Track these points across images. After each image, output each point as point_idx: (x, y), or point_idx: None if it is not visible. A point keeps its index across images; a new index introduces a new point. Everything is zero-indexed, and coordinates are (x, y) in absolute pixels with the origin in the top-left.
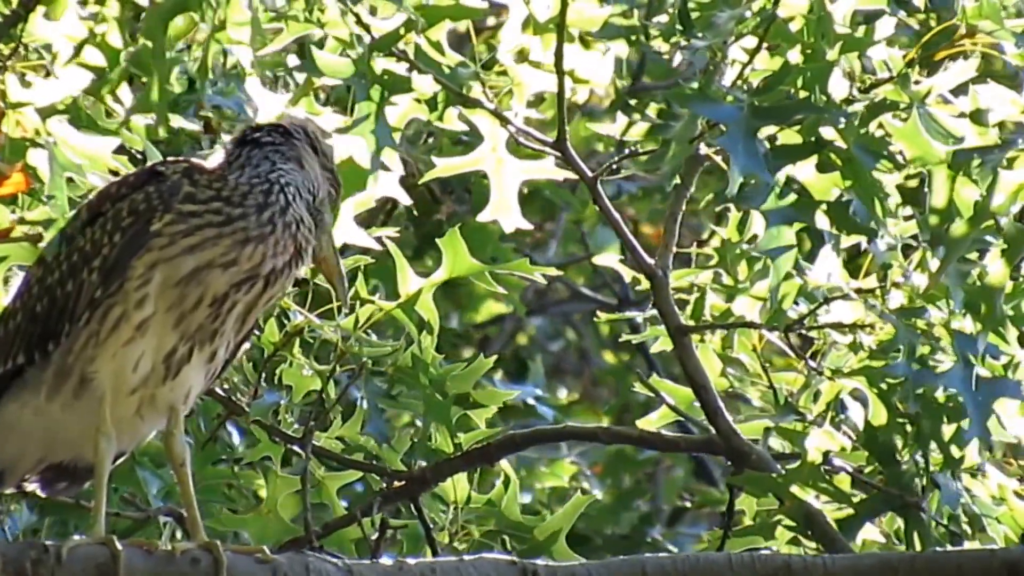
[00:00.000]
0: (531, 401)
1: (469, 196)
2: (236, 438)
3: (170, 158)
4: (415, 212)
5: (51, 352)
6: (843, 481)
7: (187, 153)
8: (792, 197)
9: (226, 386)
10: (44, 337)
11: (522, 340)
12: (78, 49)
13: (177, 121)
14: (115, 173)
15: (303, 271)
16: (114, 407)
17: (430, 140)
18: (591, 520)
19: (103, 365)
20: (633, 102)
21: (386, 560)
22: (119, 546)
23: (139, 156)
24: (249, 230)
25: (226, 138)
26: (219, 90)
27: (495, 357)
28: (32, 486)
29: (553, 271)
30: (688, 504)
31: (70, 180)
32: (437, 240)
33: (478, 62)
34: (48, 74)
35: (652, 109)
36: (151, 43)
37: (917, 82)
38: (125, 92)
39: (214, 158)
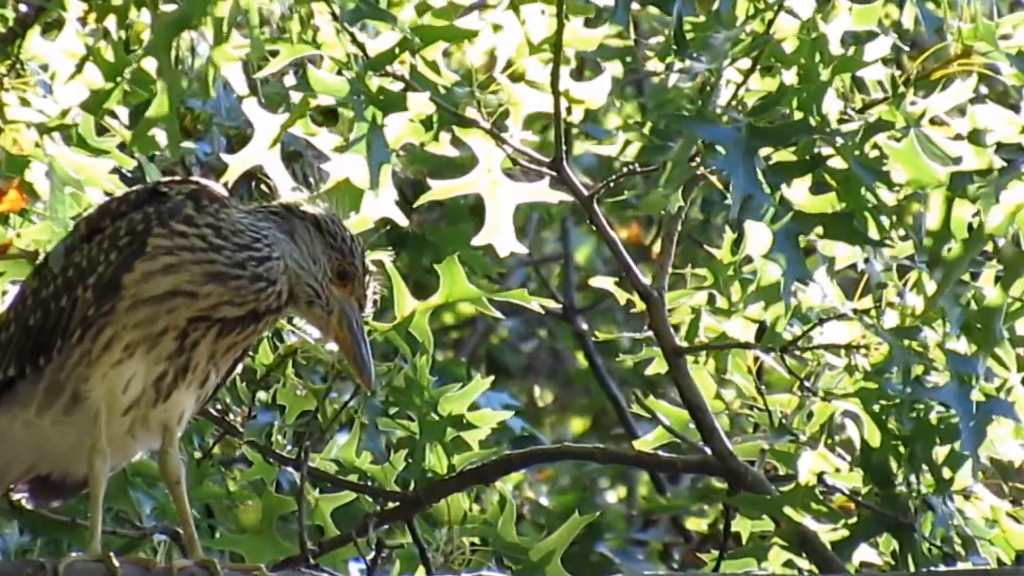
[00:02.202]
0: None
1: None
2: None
3: (177, 177)
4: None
5: (43, 366)
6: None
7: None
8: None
9: (219, 406)
10: (36, 351)
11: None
12: (80, 65)
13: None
14: (108, 194)
15: (260, 334)
16: (107, 426)
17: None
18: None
19: (96, 385)
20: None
21: None
22: (116, 563)
23: (129, 175)
24: (216, 264)
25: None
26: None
27: (492, 378)
28: (19, 495)
29: (551, 303)
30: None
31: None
32: (436, 266)
33: (474, 81)
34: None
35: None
36: (157, 58)
37: (913, 103)
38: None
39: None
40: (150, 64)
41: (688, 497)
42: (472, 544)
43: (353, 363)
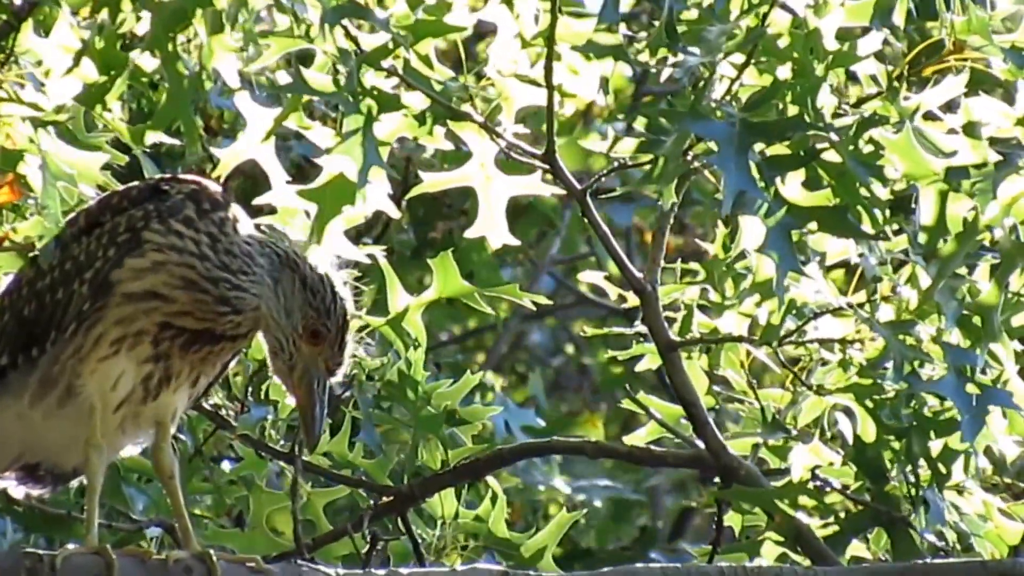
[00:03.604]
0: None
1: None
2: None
3: (179, 175)
4: (418, 213)
5: (35, 358)
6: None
7: (190, 155)
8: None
9: (213, 401)
10: (29, 342)
11: (522, 355)
12: (76, 60)
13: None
14: (103, 189)
15: (221, 356)
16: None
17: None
18: (594, 534)
19: (88, 380)
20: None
21: (378, 571)
22: (113, 555)
23: (122, 171)
24: (194, 271)
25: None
26: (220, 89)
27: (481, 374)
28: (5, 483)
29: (543, 299)
30: (694, 504)
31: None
32: (429, 260)
33: (467, 75)
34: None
35: (640, 123)
36: (158, 52)
37: (906, 98)
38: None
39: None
40: (147, 58)
41: None
42: (465, 537)
43: (303, 421)
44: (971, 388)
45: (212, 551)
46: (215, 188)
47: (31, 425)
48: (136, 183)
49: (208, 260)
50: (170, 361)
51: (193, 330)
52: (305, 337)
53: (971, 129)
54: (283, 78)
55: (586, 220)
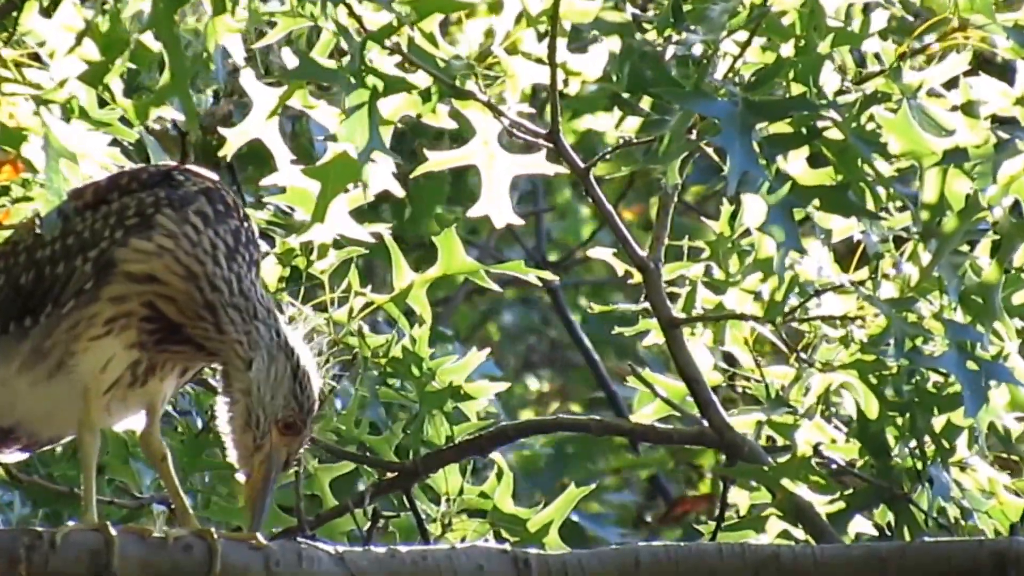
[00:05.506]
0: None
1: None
2: None
3: (193, 167)
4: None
5: (27, 327)
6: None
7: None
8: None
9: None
10: (23, 311)
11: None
12: (78, 39)
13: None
14: (105, 169)
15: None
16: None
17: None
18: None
19: (81, 358)
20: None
21: (378, 548)
22: (113, 532)
23: (131, 147)
24: (205, 267)
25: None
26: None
27: (488, 350)
28: None
29: (550, 275)
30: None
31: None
32: (433, 238)
33: (471, 54)
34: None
35: (645, 102)
36: (160, 32)
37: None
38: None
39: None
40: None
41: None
42: (469, 513)
43: (251, 506)
44: (971, 364)
45: (213, 529)
46: (226, 189)
47: (15, 392)
48: (148, 165)
49: (218, 268)
50: (152, 352)
51: (167, 325)
52: (280, 426)
53: (969, 108)
54: (288, 57)
55: (590, 198)
